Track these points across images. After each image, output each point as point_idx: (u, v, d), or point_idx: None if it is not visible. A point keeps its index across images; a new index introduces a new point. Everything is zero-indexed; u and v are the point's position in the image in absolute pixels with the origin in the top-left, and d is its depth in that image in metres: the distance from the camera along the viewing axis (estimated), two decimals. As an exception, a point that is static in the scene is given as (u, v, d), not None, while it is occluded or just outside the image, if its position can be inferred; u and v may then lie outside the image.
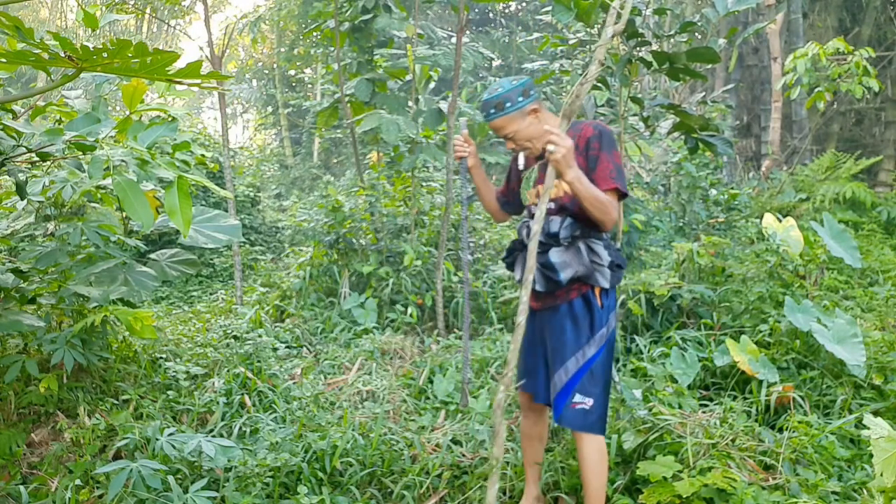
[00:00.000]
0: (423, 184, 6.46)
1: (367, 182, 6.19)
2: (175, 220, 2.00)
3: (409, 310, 5.16)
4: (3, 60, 1.75)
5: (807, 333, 3.43)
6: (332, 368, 4.32)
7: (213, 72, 1.88)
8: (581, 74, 4.22)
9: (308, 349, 4.81)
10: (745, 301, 4.02)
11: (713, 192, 7.31)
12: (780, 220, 4.44)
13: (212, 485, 2.68)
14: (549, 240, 2.35)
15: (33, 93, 2.08)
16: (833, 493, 2.37)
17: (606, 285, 2.35)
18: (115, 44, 1.63)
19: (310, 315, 5.34)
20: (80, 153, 2.55)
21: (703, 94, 7.96)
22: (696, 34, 3.94)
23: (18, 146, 2.57)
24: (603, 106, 5.80)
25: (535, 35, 5.36)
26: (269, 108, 18.61)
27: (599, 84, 4.18)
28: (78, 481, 2.65)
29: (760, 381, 3.20)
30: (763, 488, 2.36)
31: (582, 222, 2.34)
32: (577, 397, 2.32)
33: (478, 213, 6.62)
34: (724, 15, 3.46)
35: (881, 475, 1.68)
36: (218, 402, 3.40)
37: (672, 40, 3.83)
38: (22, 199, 2.90)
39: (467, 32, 4.81)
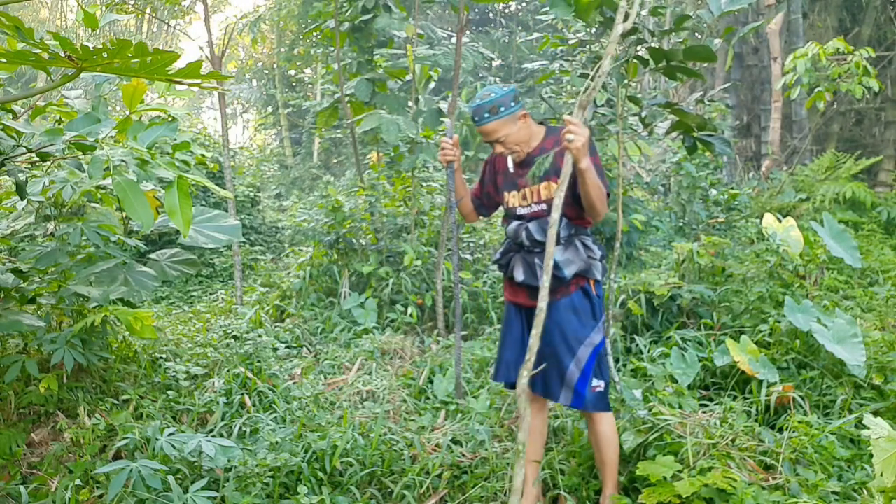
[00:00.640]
0: (423, 184, 6.46)
1: (367, 182, 6.19)
2: (175, 220, 2.00)
3: (409, 310, 5.16)
4: (3, 60, 1.75)
5: (807, 333, 3.43)
6: (332, 368, 4.32)
7: (213, 72, 1.88)
8: (579, 73, 4.22)
9: (308, 349, 4.81)
10: (745, 301, 4.02)
11: (713, 192, 7.31)
12: (780, 220, 4.44)
13: (212, 485, 2.68)
14: (542, 236, 2.46)
15: (33, 93, 2.08)
16: (833, 493, 2.37)
17: (600, 277, 2.57)
18: (115, 44, 1.63)
19: (310, 315, 5.34)
20: (80, 153, 2.55)
21: (703, 93, 7.96)
22: (696, 34, 3.94)
23: (18, 146, 2.57)
24: (603, 106, 5.80)
25: (535, 35, 5.36)
26: (269, 108, 18.61)
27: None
28: (78, 481, 2.65)
29: (760, 381, 3.19)
30: (763, 488, 2.36)
31: (573, 221, 2.51)
32: (594, 381, 2.54)
33: (478, 213, 6.60)
34: (720, 15, 3.46)
35: (881, 475, 1.68)
36: (218, 402, 3.40)
37: (669, 39, 3.83)
38: (22, 199, 2.90)
39: (467, 32, 4.81)
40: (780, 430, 2.77)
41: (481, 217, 2.92)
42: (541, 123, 2.62)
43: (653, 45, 3.54)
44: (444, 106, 5.74)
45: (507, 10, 17.99)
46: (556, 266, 2.44)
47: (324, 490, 2.77)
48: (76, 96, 3.21)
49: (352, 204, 5.91)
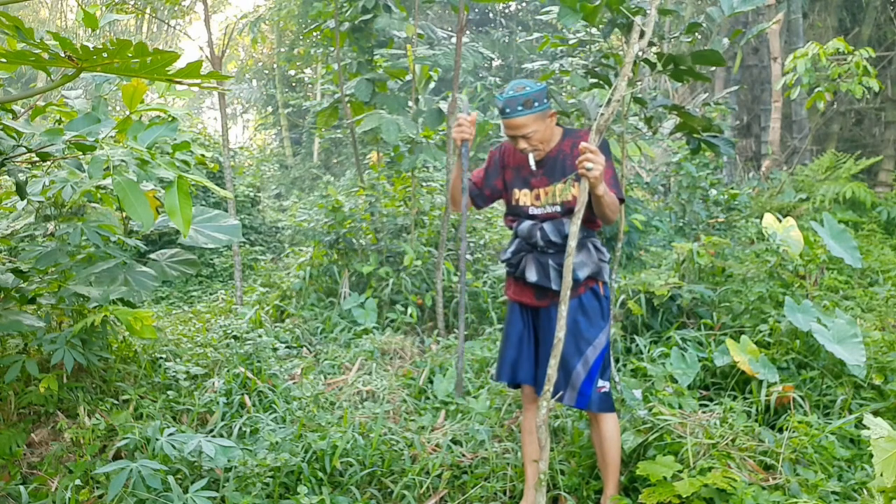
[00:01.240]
0: (423, 184, 6.46)
1: (367, 182, 6.19)
2: (175, 220, 2.00)
3: (409, 310, 5.16)
4: (3, 60, 1.75)
5: (807, 333, 3.43)
6: (332, 368, 4.32)
7: (213, 72, 1.88)
8: (584, 75, 4.21)
9: (308, 349, 4.81)
10: (745, 301, 4.02)
11: (713, 192, 7.30)
12: (780, 220, 4.43)
13: (212, 485, 2.68)
14: (565, 240, 2.44)
15: (33, 93, 2.08)
16: (833, 493, 2.37)
17: (608, 279, 2.59)
18: (115, 44, 1.63)
19: (310, 315, 5.34)
20: (80, 153, 2.55)
21: (706, 94, 7.96)
22: (699, 35, 3.93)
23: (18, 146, 2.57)
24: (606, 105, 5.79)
25: (535, 35, 5.35)
26: (269, 108, 18.62)
27: (602, 83, 4.18)
28: (78, 481, 2.65)
29: (760, 381, 3.19)
30: (763, 488, 2.36)
31: (584, 224, 2.49)
32: (601, 382, 2.55)
33: (477, 213, 6.62)
34: (730, 15, 3.45)
35: (881, 475, 1.68)
36: (218, 402, 3.41)
37: (674, 41, 3.82)
38: (22, 199, 2.90)
39: (467, 32, 4.81)
40: (780, 430, 2.77)
41: (474, 208, 2.83)
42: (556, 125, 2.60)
43: (657, 48, 3.54)
44: (444, 106, 5.74)
45: (507, 10, 17.98)
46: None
47: (324, 490, 2.77)
48: (76, 96, 3.21)
49: (352, 204, 5.91)
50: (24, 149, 2.58)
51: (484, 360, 4.17)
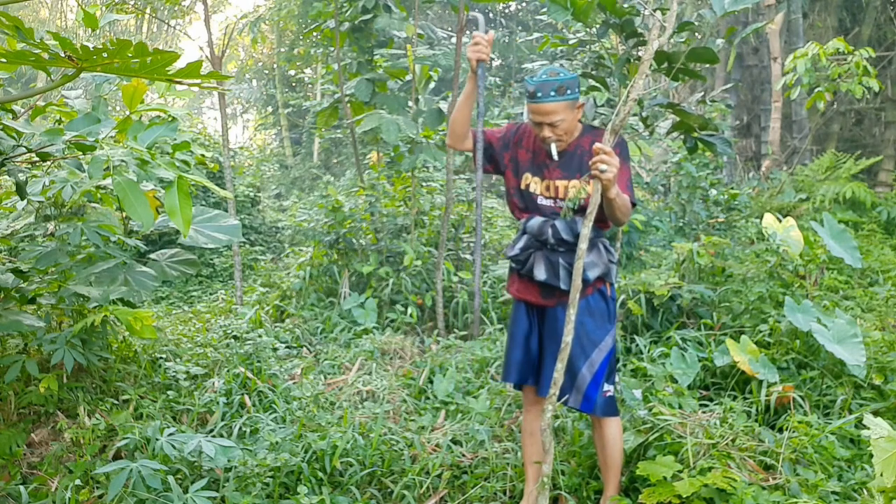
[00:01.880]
0: (423, 184, 6.46)
1: (367, 182, 6.19)
2: (175, 220, 2.00)
3: (409, 310, 5.16)
4: (3, 60, 1.75)
5: (807, 333, 3.43)
6: (332, 368, 4.32)
7: (213, 72, 1.88)
8: (581, 75, 4.21)
9: (308, 349, 4.81)
10: (745, 301, 4.02)
11: (713, 192, 7.30)
12: (780, 220, 4.43)
13: (212, 485, 2.68)
14: (577, 239, 2.35)
15: (33, 93, 2.08)
16: (833, 493, 2.37)
17: (615, 280, 2.56)
18: (115, 44, 1.63)
19: (310, 315, 5.33)
20: (80, 153, 2.55)
21: (703, 93, 7.96)
22: (696, 34, 3.94)
23: (18, 146, 2.57)
24: (603, 106, 5.80)
25: (535, 35, 5.35)
26: (269, 108, 18.61)
27: (598, 84, 4.18)
28: (78, 481, 2.65)
29: (760, 381, 3.19)
30: (763, 488, 2.36)
31: (595, 224, 2.41)
32: (606, 386, 2.51)
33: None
34: (722, 15, 3.45)
35: (881, 475, 1.68)
36: (218, 402, 3.41)
37: (671, 40, 3.83)
38: (22, 199, 2.91)
39: (467, 32, 4.81)
40: (780, 430, 2.77)
41: (467, 151, 2.64)
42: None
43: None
44: (444, 106, 5.74)
45: (507, 10, 17.98)
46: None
47: (324, 490, 2.77)
48: (76, 96, 3.21)
49: (352, 204, 5.91)
50: (24, 149, 2.58)
51: (483, 360, 4.17)
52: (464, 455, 3.13)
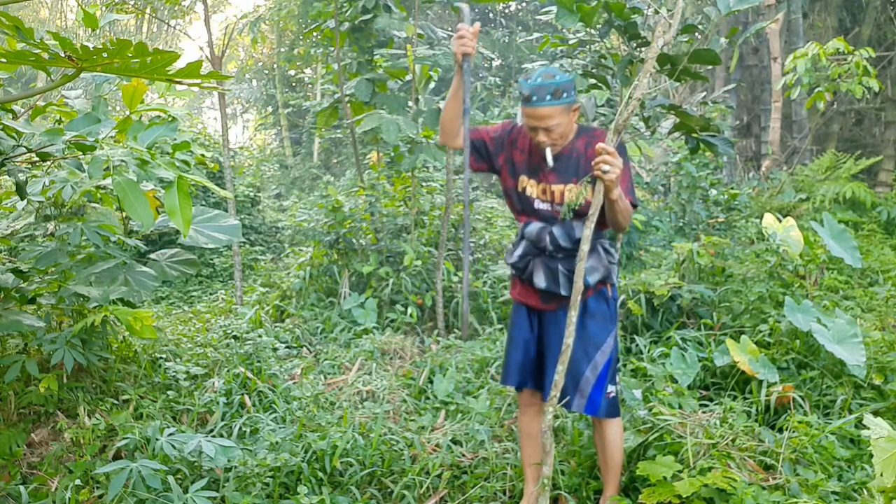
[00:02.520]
0: (423, 184, 6.46)
1: (367, 182, 6.19)
2: (175, 220, 2.00)
3: (409, 310, 5.16)
4: (3, 60, 1.75)
5: (807, 333, 3.43)
6: (332, 368, 4.32)
7: (213, 72, 1.88)
8: (581, 75, 4.21)
9: (308, 349, 4.81)
10: (745, 301, 4.02)
11: (713, 192, 7.30)
12: (780, 220, 4.43)
13: (212, 485, 2.68)
14: (575, 245, 2.34)
15: (33, 93, 2.08)
16: (833, 493, 2.37)
17: (616, 280, 2.53)
18: (115, 44, 1.64)
19: (310, 315, 5.33)
20: (80, 153, 2.55)
21: (704, 94, 7.96)
22: (697, 35, 3.94)
23: (18, 146, 2.57)
24: (603, 106, 5.80)
25: (535, 35, 5.35)
26: (269, 108, 18.61)
27: (600, 84, 4.18)
28: (78, 481, 2.65)
29: (760, 381, 3.19)
30: (763, 488, 2.36)
31: (595, 225, 2.38)
32: (609, 387, 2.49)
33: (477, 213, 6.61)
34: (726, 14, 3.45)
35: (881, 475, 1.68)
36: (218, 402, 3.41)
37: (672, 41, 3.83)
38: (22, 199, 2.91)
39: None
40: (780, 430, 2.77)
41: (457, 149, 2.62)
42: None
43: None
44: (443, 106, 5.73)
45: (507, 10, 17.97)
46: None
47: (324, 490, 2.77)
48: (76, 96, 3.20)
49: (352, 204, 5.91)
50: (24, 149, 2.59)
51: (483, 360, 4.17)
52: (464, 455, 3.13)
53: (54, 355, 3.01)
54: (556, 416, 3.28)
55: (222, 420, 3.31)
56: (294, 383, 3.87)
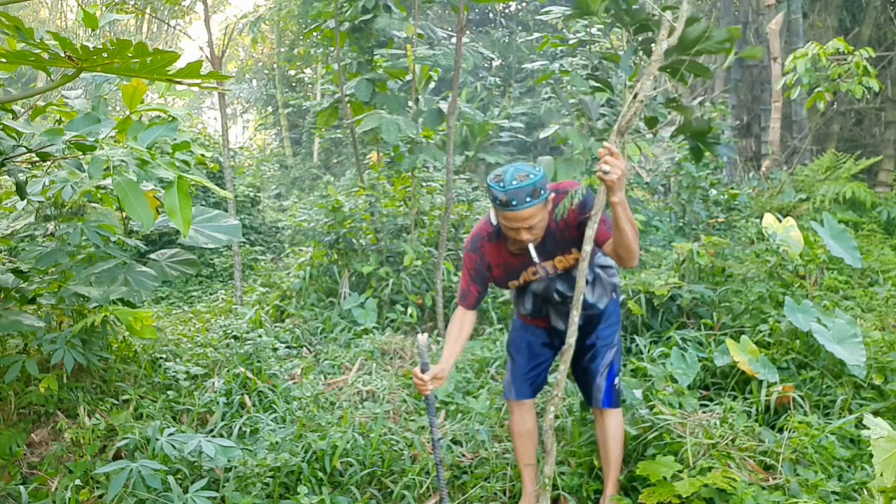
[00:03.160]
0: (423, 184, 6.46)
1: (367, 182, 6.19)
2: (175, 220, 2.00)
3: (409, 310, 5.15)
4: (3, 60, 1.75)
5: (807, 333, 3.43)
6: (332, 368, 4.32)
7: (213, 72, 1.88)
8: (585, 77, 4.21)
9: (308, 349, 4.81)
10: (745, 301, 4.02)
11: (713, 192, 7.29)
12: (780, 220, 4.43)
13: (212, 485, 2.68)
14: (573, 290, 2.37)
15: (33, 93, 2.08)
16: (833, 493, 2.37)
17: (619, 282, 2.64)
18: (115, 44, 1.63)
19: (310, 315, 5.33)
20: (80, 153, 2.55)
21: (704, 94, 7.96)
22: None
23: (18, 146, 2.57)
24: (604, 106, 5.79)
25: (535, 35, 5.36)
26: (269, 108, 18.60)
27: (603, 87, 4.19)
28: (78, 481, 2.65)
29: (760, 381, 3.19)
30: (763, 488, 2.36)
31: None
32: (616, 380, 2.62)
33: (477, 213, 6.61)
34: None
35: (881, 475, 1.68)
36: (218, 402, 3.40)
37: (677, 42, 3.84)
38: (22, 199, 2.90)
39: (467, 32, 4.81)
40: (780, 430, 2.77)
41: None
42: None
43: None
44: (444, 106, 5.74)
45: (507, 10, 17.97)
46: (591, 306, 2.52)
47: (324, 490, 2.77)
48: (76, 96, 3.20)
49: (352, 204, 5.91)
50: (24, 149, 2.58)
51: (484, 360, 4.16)
52: (464, 455, 3.13)
53: (54, 355, 3.01)
54: (556, 416, 3.29)
55: (222, 420, 3.31)
56: (294, 383, 3.87)
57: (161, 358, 3.94)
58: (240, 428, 3.21)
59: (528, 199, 2.16)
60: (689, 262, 4.52)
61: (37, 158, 2.75)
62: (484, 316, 5.23)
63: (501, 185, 2.17)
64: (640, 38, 3.80)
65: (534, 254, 2.35)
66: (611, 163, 2.02)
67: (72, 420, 3.14)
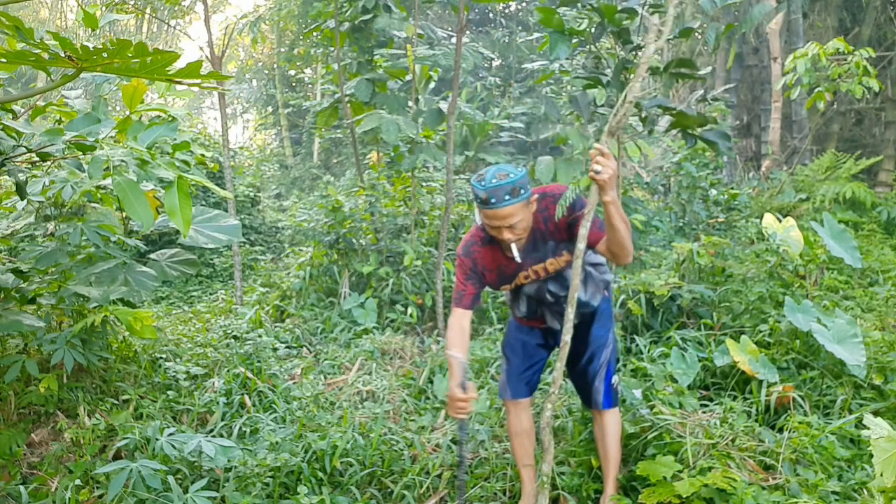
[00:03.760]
0: (423, 184, 6.46)
1: (367, 182, 6.19)
2: (175, 220, 2.00)
3: (409, 310, 5.15)
4: (3, 60, 1.75)
5: (807, 333, 3.43)
6: (332, 368, 4.32)
7: (213, 72, 1.88)
8: (577, 77, 4.21)
9: (308, 349, 4.81)
10: (745, 301, 4.02)
11: (713, 192, 7.29)
12: (780, 220, 4.43)
13: (212, 485, 2.68)
14: (565, 290, 2.45)
15: (33, 93, 2.08)
16: (833, 493, 2.37)
17: (611, 280, 2.64)
18: (115, 44, 1.63)
19: (310, 315, 5.33)
20: (80, 153, 2.55)
21: (703, 92, 7.94)
22: (698, 35, 3.95)
23: (18, 146, 2.57)
24: (602, 105, 5.79)
25: (535, 35, 5.35)
26: (269, 108, 18.60)
27: (594, 84, 4.19)
28: (78, 481, 2.65)
29: (760, 381, 3.19)
30: (763, 488, 2.35)
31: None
32: (614, 379, 2.65)
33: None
34: (722, 6, 3.47)
35: (881, 475, 1.68)
36: (218, 402, 3.40)
37: (670, 43, 3.85)
38: (22, 199, 2.90)
39: (467, 32, 4.81)
40: (780, 430, 2.77)
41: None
42: None
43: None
44: (444, 106, 5.74)
45: (507, 10, 17.97)
46: (585, 304, 2.52)
47: (324, 490, 2.77)
48: (76, 96, 3.20)
49: (352, 204, 5.91)
50: (24, 149, 2.58)
51: (484, 360, 4.16)
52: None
53: (54, 355, 3.01)
54: (556, 416, 3.29)
55: (222, 420, 3.31)
56: (294, 383, 3.87)
57: (161, 358, 3.94)
58: (240, 428, 3.21)
59: (507, 198, 2.19)
60: (689, 262, 4.52)
61: (37, 158, 2.75)
62: (484, 316, 5.23)
63: (482, 183, 2.22)
64: (628, 49, 3.81)
65: (516, 255, 2.35)
66: (602, 163, 2.05)
67: (72, 420, 3.14)
